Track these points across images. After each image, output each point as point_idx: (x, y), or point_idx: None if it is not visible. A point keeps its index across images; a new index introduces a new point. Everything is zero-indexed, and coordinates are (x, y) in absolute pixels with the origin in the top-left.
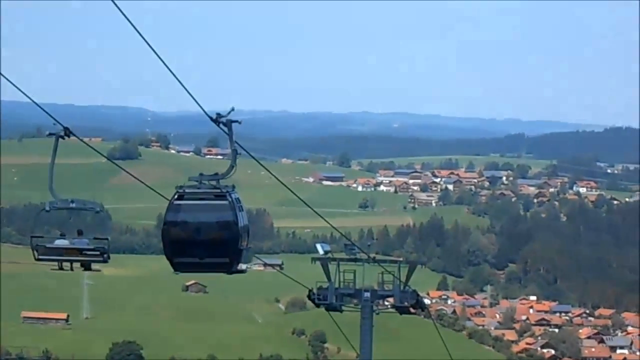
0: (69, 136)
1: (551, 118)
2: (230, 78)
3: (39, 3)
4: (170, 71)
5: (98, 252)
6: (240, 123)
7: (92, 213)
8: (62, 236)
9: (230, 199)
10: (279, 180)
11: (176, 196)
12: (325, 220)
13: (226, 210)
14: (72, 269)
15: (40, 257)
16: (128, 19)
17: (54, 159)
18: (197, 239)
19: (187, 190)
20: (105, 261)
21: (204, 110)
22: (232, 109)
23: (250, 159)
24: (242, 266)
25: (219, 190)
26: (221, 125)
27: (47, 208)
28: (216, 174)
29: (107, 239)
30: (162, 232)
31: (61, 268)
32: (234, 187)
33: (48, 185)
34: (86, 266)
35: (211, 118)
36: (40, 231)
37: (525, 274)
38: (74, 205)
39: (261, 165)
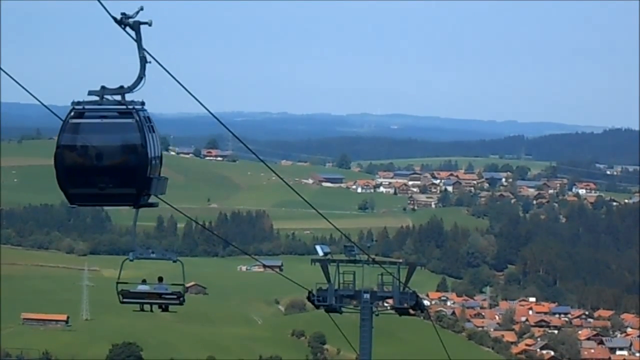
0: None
1: (550, 120)
2: (229, 80)
3: (37, 4)
4: (168, 72)
5: (175, 296)
6: (150, 25)
7: (90, 220)
8: (144, 282)
9: (137, 118)
10: (285, 182)
11: (72, 114)
12: (328, 222)
13: (132, 131)
14: (151, 310)
15: (125, 300)
16: (118, 22)
17: (136, 220)
18: (96, 166)
19: (87, 107)
20: (181, 304)
21: (108, 12)
22: (141, 8)
23: (250, 161)
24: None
25: (124, 107)
26: (128, 29)
27: (131, 258)
28: (121, 86)
29: (183, 284)
30: (54, 157)
31: (142, 309)
32: (143, 103)
33: (132, 240)
34: (164, 308)
35: (115, 19)
36: (41, 232)
37: (525, 275)
38: (153, 255)
39: (267, 166)
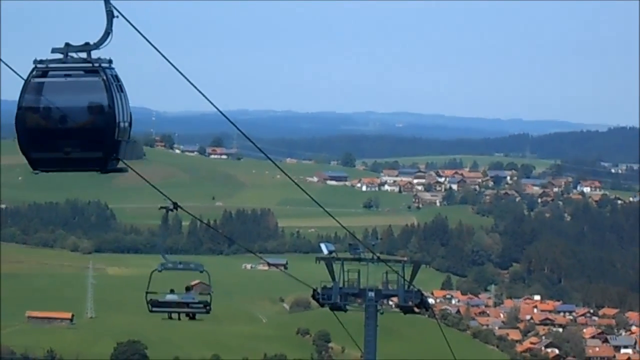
0: (177, 209)
1: (555, 118)
2: (234, 78)
3: (39, 2)
4: (178, 70)
5: (202, 305)
6: None
7: (95, 218)
8: (172, 292)
9: (104, 76)
10: (291, 179)
11: (34, 72)
12: (334, 219)
13: (99, 91)
14: (179, 319)
15: (154, 309)
16: (129, 21)
17: (164, 229)
18: (60, 128)
19: (50, 65)
20: (207, 312)
21: None
22: None
23: (255, 159)
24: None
25: (89, 65)
26: None
27: (160, 269)
28: (87, 43)
29: (209, 294)
30: (15, 119)
31: (170, 317)
32: (110, 61)
33: (160, 251)
34: (191, 316)
35: None
36: (46, 230)
37: (529, 273)
38: (181, 266)
39: (274, 164)
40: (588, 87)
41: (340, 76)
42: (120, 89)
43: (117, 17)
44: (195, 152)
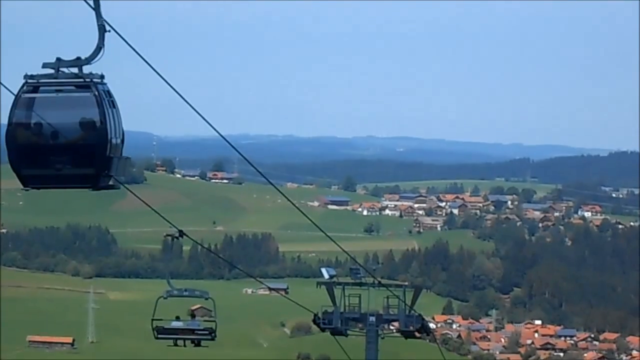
0: (182, 237)
1: (556, 142)
2: (234, 102)
3: (35, 25)
4: (179, 94)
5: (207, 332)
6: None
7: (96, 243)
8: (177, 319)
9: (96, 91)
10: (293, 204)
11: (25, 88)
12: (335, 243)
13: (90, 106)
14: (185, 345)
15: (160, 336)
16: (131, 46)
17: (168, 256)
18: (51, 144)
19: (41, 80)
20: (213, 339)
21: None
22: None
23: (256, 183)
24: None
25: (81, 80)
26: None
27: (165, 296)
28: (78, 58)
29: (214, 321)
30: (5, 135)
31: (176, 344)
32: (102, 76)
33: (166, 277)
34: (196, 343)
35: None
36: (47, 255)
37: (530, 298)
38: (186, 293)
39: (276, 188)
40: (589, 111)
41: (341, 101)
42: (113, 104)
43: (109, 31)
44: (196, 177)
